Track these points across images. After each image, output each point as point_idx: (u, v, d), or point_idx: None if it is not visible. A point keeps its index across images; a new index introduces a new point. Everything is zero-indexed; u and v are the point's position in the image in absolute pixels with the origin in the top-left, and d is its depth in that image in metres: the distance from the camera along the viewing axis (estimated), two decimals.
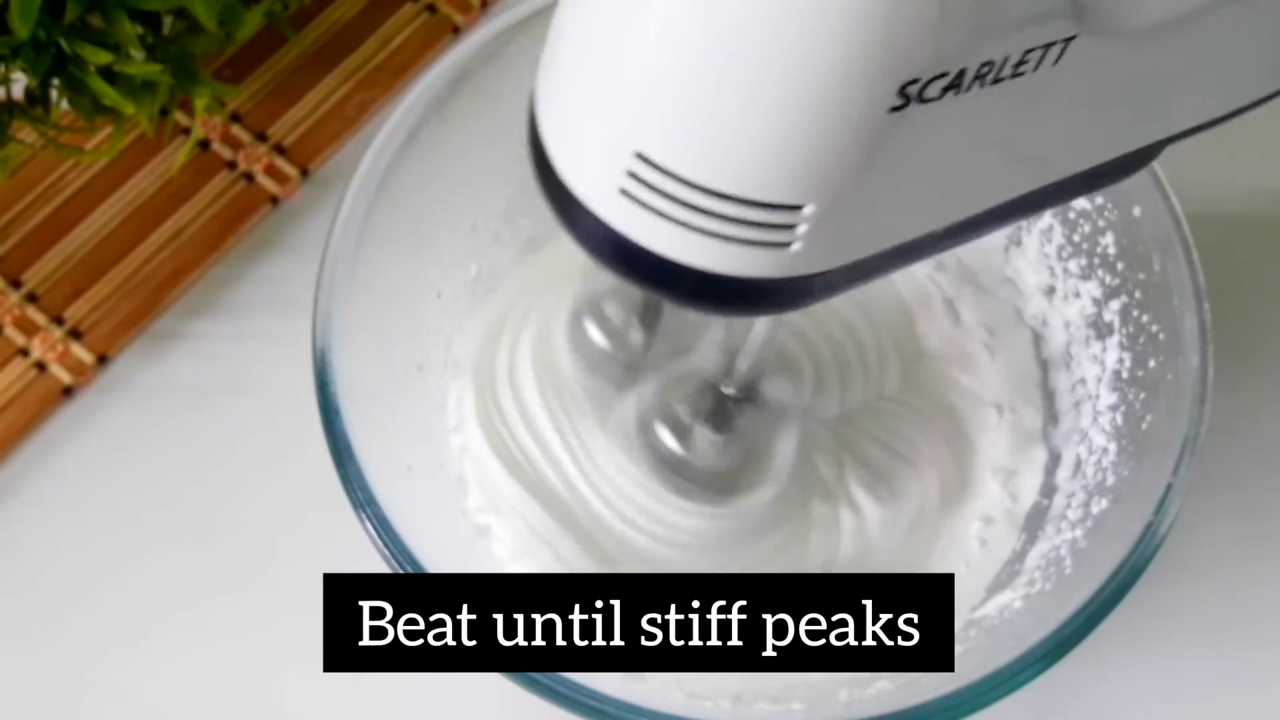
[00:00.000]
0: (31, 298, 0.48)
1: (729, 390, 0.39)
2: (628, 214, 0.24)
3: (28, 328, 0.48)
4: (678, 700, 0.36)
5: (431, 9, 0.53)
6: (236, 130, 0.51)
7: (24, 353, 0.48)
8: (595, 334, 0.41)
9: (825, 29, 0.20)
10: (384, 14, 0.53)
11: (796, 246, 0.24)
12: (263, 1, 0.48)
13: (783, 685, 0.37)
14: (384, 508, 0.35)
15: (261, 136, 0.51)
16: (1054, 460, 0.41)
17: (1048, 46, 0.22)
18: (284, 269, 0.49)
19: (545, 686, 0.33)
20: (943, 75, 0.22)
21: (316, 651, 0.44)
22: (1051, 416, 0.42)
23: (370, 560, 0.35)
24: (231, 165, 0.51)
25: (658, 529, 0.41)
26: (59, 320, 0.48)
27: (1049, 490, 0.41)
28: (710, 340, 0.41)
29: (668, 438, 0.39)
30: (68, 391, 0.47)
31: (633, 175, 0.23)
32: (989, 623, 0.38)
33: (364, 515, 0.35)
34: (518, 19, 0.39)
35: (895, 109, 0.22)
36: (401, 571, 0.34)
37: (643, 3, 0.22)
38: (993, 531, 0.41)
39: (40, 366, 0.47)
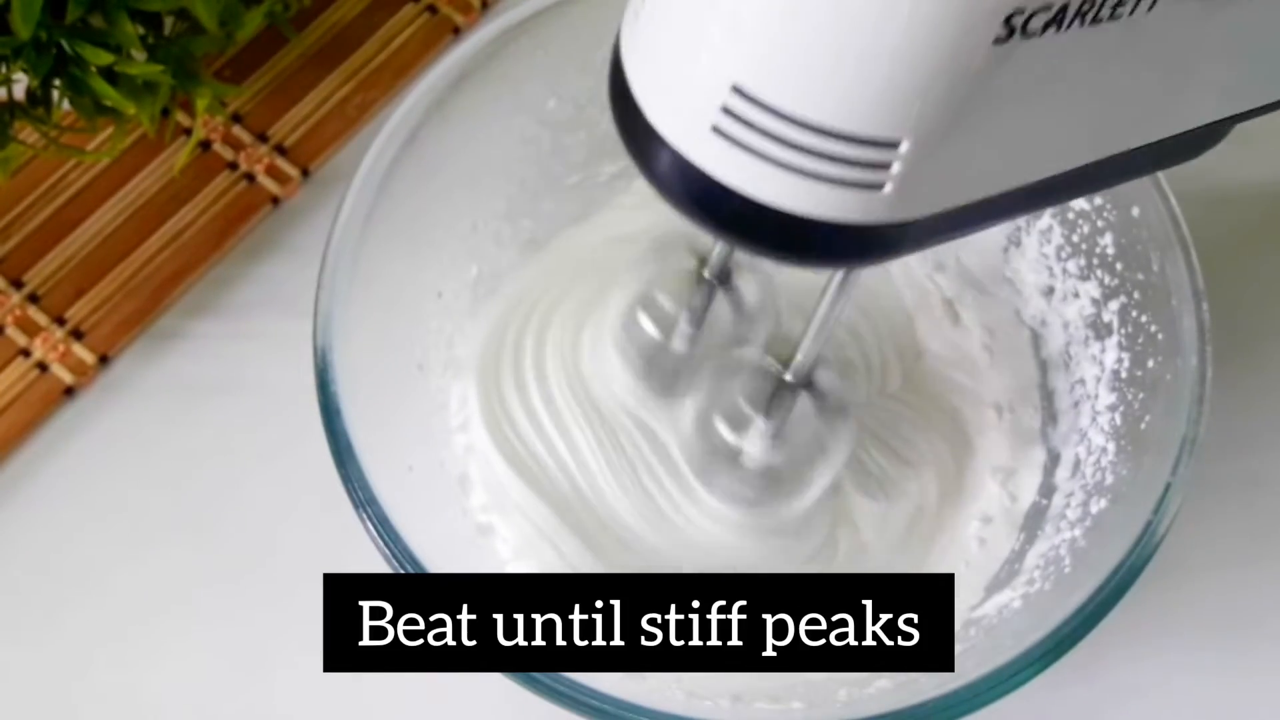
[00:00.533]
0: (33, 298, 0.49)
1: (788, 378, 0.38)
2: (717, 153, 0.24)
3: (29, 328, 0.48)
4: (677, 699, 0.36)
5: (432, 10, 0.53)
6: (237, 131, 0.51)
7: (25, 353, 0.48)
8: (648, 327, 0.40)
9: None
10: (385, 15, 0.53)
11: (888, 188, 0.24)
12: (264, 2, 0.48)
13: (782, 684, 0.37)
14: (385, 507, 0.35)
15: (262, 137, 0.51)
16: (1053, 460, 0.42)
17: None
18: (285, 269, 0.49)
19: (545, 685, 0.33)
20: (1046, 8, 0.22)
21: (317, 650, 0.44)
22: (1050, 416, 0.42)
23: (370, 559, 0.35)
24: (233, 166, 0.51)
25: (677, 523, 0.41)
26: (61, 320, 0.48)
27: (1048, 490, 0.41)
28: (762, 332, 0.41)
29: (726, 431, 0.39)
30: (69, 391, 0.47)
31: (727, 110, 0.23)
32: (988, 622, 0.38)
33: (364, 515, 0.35)
34: (519, 19, 0.40)
35: (999, 41, 0.22)
36: (402, 571, 0.34)
37: None
38: (991, 531, 0.41)
39: (42, 367, 0.48)
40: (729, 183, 0.24)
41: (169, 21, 0.46)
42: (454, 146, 0.40)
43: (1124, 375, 0.39)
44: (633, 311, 0.41)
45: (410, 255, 0.41)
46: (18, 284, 0.49)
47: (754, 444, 0.38)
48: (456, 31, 0.53)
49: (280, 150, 0.51)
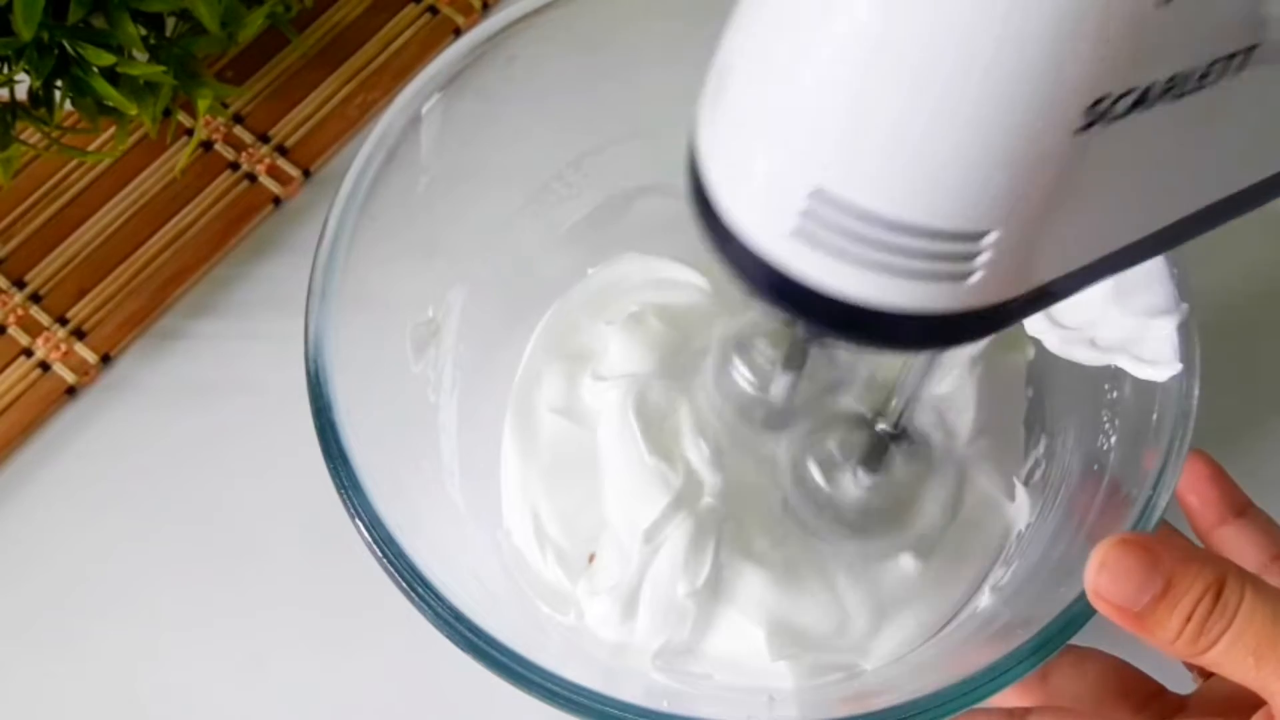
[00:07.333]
0: (35, 298, 0.49)
1: (883, 427, 0.38)
2: (799, 253, 0.23)
3: (32, 328, 0.48)
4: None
5: (433, 11, 0.53)
6: (239, 131, 0.51)
7: (28, 353, 0.48)
8: (742, 376, 0.40)
9: (1017, 50, 0.20)
10: (385, 16, 0.53)
11: (976, 277, 0.23)
12: (265, 3, 0.48)
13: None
14: (398, 540, 0.34)
15: (264, 137, 0.51)
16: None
17: (1231, 56, 0.22)
18: (286, 269, 0.49)
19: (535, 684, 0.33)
20: (1130, 91, 0.21)
21: (315, 649, 0.44)
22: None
23: (370, 558, 0.35)
24: (234, 166, 0.51)
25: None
26: (63, 320, 0.48)
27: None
28: (859, 377, 0.40)
29: (819, 476, 0.39)
30: (71, 391, 0.48)
31: (807, 214, 0.23)
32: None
33: (380, 553, 0.34)
34: (520, 14, 0.39)
35: (1081, 130, 0.21)
36: (408, 587, 0.34)
37: (821, 29, 0.21)
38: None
39: (44, 366, 0.48)
40: (811, 281, 0.24)
41: (171, 22, 0.46)
42: (454, 148, 0.40)
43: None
44: (727, 359, 0.40)
45: (410, 267, 0.41)
46: (20, 284, 0.49)
47: (848, 490, 0.39)
48: (457, 32, 0.53)
49: (281, 151, 0.51)
